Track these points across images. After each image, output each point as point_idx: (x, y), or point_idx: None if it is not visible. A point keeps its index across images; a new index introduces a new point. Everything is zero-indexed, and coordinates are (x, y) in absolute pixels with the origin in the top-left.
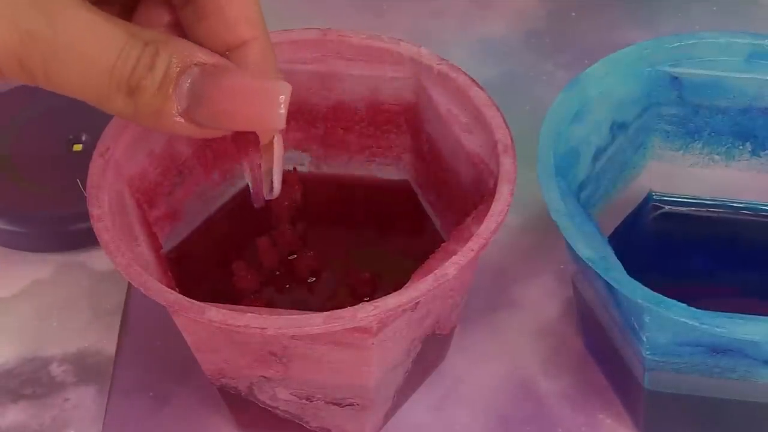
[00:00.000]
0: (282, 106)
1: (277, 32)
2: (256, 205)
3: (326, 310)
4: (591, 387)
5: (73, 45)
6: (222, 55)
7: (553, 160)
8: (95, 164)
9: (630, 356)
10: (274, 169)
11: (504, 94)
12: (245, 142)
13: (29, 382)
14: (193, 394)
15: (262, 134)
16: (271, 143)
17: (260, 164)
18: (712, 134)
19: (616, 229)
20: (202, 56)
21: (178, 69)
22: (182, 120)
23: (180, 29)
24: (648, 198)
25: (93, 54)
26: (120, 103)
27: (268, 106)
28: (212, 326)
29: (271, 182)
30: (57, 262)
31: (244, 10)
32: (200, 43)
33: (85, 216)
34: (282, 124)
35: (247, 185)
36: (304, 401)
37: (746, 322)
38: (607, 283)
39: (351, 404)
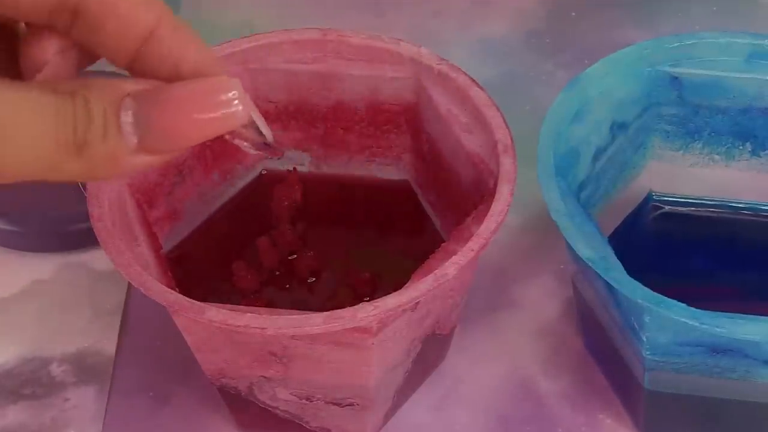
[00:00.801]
0: (236, 102)
1: (277, 32)
2: (278, 157)
3: (326, 310)
4: (591, 387)
5: (11, 127)
6: (135, 57)
7: (553, 160)
8: None
9: (630, 356)
10: (255, 119)
11: (504, 94)
12: None
13: (29, 382)
14: (193, 394)
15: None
16: None
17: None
18: (712, 134)
19: (616, 229)
20: (130, 86)
21: (114, 107)
22: (140, 155)
23: (73, 51)
24: (648, 198)
25: (33, 128)
26: (73, 166)
27: (221, 106)
28: (212, 326)
29: (258, 129)
30: (57, 262)
31: None
32: (107, 53)
33: (85, 216)
34: (243, 118)
35: (248, 184)
36: (304, 401)
37: (746, 322)
38: (607, 283)
39: (351, 404)
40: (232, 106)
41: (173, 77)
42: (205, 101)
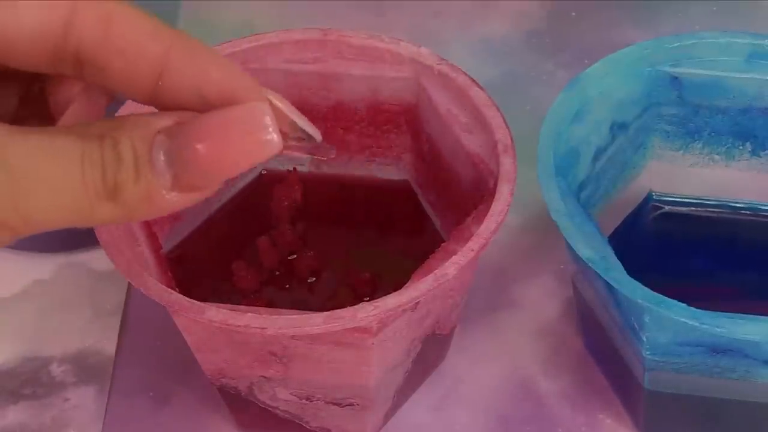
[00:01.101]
0: (270, 129)
1: (277, 32)
2: (329, 157)
3: (326, 310)
4: (591, 387)
5: (36, 177)
6: (154, 91)
7: (553, 160)
8: None
9: (630, 356)
10: (296, 121)
11: (504, 94)
12: None
13: (29, 382)
14: (193, 394)
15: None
16: (273, 107)
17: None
18: (712, 134)
19: (616, 229)
20: (160, 121)
21: (146, 146)
22: (176, 193)
23: (97, 89)
24: (648, 198)
25: (59, 175)
26: (106, 210)
27: (255, 135)
28: (212, 326)
29: (306, 132)
30: (57, 262)
31: (135, 31)
32: (124, 92)
33: None
34: (278, 146)
35: (248, 184)
36: (304, 401)
37: (746, 322)
38: (607, 283)
39: (351, 404)
40: (267, 134)
41: (200, 104)
42: (239, 133)
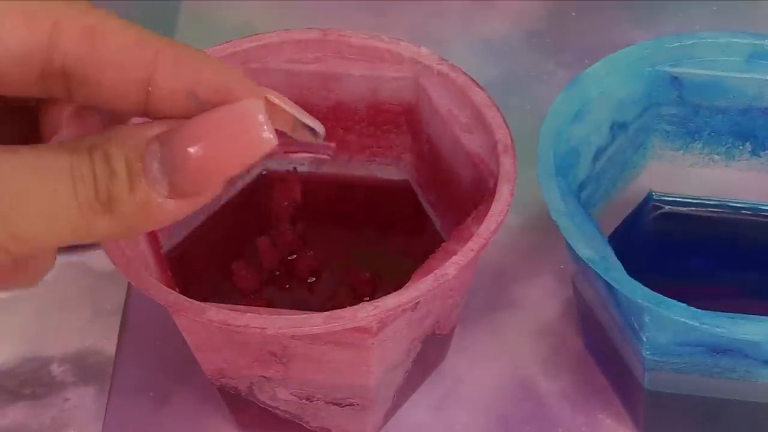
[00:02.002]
0: (263, 125)
1: (277, 32)
2: (328, 155)
3: (326, 310)
4: (591, 387)
5: (24, 197)
6: (147, 100)
7: (553, 160)
8: None
9: (630, 356)
10: (298, 117)
11: (504, 94)
12: None
13: (29, 382)
14: (193, 394)
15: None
16: (272, 105)
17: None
18: (712, 134)
19: (616, 229)
20: (152, 129)
21: (138, 155)
22: (173, 201)
23: (90, 110)
24: (648, 198)
25: (48, 193)
26: (104, 225)
27: (247, 130)
28: (212, 326)
29: (309, 127)
30: (57, 262)
31: (121, 40)
32: (116, 106)
33: None
34: (272, 143)
35: (248, 184)
36: (304, 401)
37: (746, 322)
38: (607, 283)
39: (351, 404)
40: (261, 131)
41: (195, 108)
42: (231, 132)
